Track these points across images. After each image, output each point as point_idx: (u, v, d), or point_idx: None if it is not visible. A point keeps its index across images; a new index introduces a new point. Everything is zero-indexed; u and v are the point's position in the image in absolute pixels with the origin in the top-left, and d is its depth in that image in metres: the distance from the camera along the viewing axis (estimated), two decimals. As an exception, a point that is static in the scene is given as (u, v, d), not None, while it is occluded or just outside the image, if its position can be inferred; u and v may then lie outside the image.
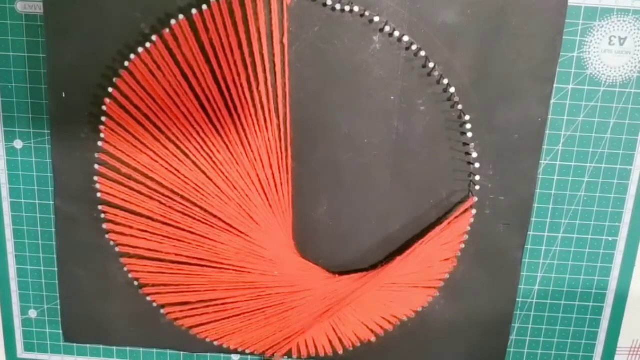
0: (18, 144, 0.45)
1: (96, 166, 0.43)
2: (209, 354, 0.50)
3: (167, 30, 0.39)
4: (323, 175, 0.42)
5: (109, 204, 0.43)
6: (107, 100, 0.41)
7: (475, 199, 0.42)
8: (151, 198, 0.43)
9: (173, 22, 0.39)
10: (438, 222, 0.43)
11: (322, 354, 0.47)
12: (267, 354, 0.47)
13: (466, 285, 0.45)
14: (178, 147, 0.41)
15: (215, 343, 0.46)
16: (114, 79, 0.41)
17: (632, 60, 0.42)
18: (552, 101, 0.42)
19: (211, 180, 0.42)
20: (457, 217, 0.42)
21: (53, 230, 0.46)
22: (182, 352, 0.49)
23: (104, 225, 0.44)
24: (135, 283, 0.45)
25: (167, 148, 0.41)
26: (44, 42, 0.42)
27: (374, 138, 0.41)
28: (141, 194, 0.43)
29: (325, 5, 0.39)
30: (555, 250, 0.46)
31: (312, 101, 0.41)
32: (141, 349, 0.50)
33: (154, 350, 0.49)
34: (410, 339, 0.46)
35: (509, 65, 0.40)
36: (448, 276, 0.45)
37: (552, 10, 0.39)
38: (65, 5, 0.39)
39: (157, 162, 0.42)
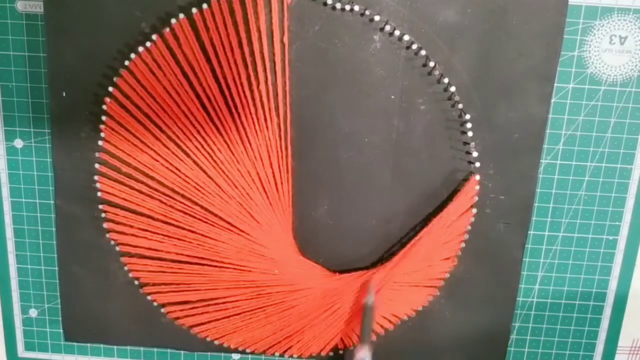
0: (18, 143, 0.45)
1: (96, 165, 0.43)
2: (209, 353, 0.50)
3: (168, 29, 0.39)
4: (323, 174, 0.42)
5: (110, 203, 0.43)
6: (108, 100, 0.41)
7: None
8: (152, 197, 0.43)
9: (173, 21, 0.39)
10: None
11: (322, 354, 0.47)
12: (268, 352, 0.47)
13: (467, 284, 0.45)
14: (178, 146, 0.41)
15: (216, 342, 0.46)
16: (115, 78, 0.41)
17: (633, 59, 0.42)
18: (553, 100, 0.42)
19: (212, 179, 0.42)
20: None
21: (53, 229, 0.46)
22: (182, 351, 0.49)
23: (105, 225, 0.44)
24: (136, 282, 0.45)
25: (167, 147, 0.41)
26: (44, 41, 0.42)
27: (374, 137, 0.41)
28: (142, 193, 0.43)
29: (325, 4, 0.39)
30: (556, 250, 0.46)
31: (312, 100, 0.41)
32: (142, 348, 0.50)
33: (155, 349, 0.49)
34: (410, 338, 0.46)
35: (510, 64, 0.40)
36: (448, 275, 0.45)
37: (552, 9, 0.39)
38: (66, 4, 0.39)
39: (157, 161, 0.42)
